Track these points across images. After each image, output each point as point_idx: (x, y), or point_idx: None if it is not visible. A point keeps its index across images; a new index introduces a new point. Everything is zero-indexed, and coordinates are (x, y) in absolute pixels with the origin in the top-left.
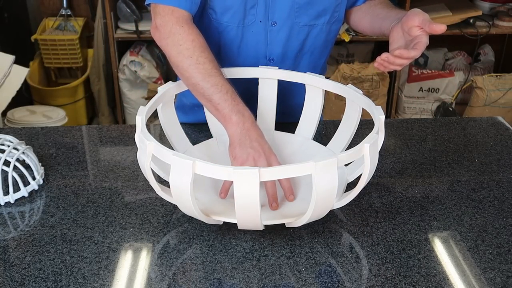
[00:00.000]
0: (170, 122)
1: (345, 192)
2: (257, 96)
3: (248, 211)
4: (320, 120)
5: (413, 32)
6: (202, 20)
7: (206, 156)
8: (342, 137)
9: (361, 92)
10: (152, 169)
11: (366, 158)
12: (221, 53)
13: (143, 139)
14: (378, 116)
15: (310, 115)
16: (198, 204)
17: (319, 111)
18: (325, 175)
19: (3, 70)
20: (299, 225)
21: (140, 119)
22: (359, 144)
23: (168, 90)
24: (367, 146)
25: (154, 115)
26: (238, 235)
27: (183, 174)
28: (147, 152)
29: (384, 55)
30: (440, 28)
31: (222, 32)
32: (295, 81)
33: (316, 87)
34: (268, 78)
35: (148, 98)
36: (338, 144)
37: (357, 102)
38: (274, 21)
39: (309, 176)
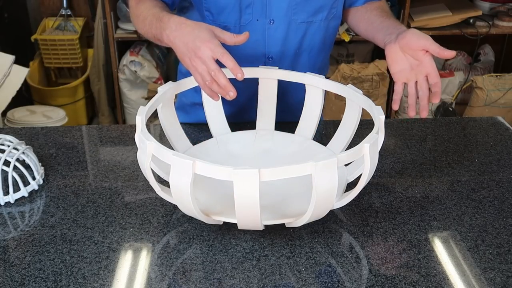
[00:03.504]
0: (170, 122)
1: (345, 192)
2: (257, 96)
3: (248, 211)
4: (320, 120)
5: (419, 57)
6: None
7: (206, 156)
8: (342, 137)
9: (361, 92)
10: (152, 169)
11: (366, 158)
12: None
13: (143, 139)
14: (378, 116)
15: (310, 115)
16: (198, 204)
17: (319, 111)
18: (325, 175)
19: (3, 70)
20: (299, 225)
21: (140, 119)
22: (359, 144)
23: (168, 90)
24: (367, 146)
25: (154, 115)
26: (238, 235)
27: (183, 174)
28: (147, 152)
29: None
30: (451, 55)
31: None
32: (295, 81)
33: (316, 87)
34: (268, 78)
35: (148, 98)
36: (338, 144)
37: (357, 102)
38: (272, 19)
39: (309, 176)
